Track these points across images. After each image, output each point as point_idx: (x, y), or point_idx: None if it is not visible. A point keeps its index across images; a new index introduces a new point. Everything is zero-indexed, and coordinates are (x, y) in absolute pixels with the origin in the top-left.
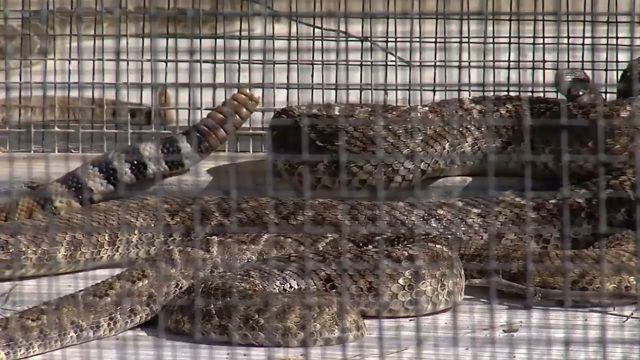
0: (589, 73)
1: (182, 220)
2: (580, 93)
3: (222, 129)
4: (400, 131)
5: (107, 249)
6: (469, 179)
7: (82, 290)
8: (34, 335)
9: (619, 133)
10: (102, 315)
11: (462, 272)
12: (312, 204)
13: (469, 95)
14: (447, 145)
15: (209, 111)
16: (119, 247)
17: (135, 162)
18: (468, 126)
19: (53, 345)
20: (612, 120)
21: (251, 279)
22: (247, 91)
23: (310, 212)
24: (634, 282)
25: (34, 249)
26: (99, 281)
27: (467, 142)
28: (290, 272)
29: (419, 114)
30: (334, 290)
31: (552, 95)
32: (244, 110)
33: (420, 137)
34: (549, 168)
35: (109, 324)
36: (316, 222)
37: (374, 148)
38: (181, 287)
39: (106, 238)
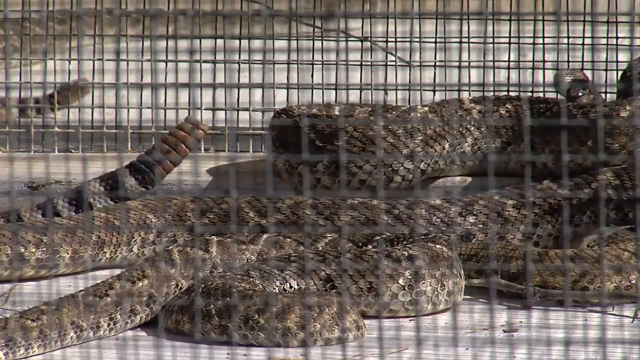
0: (588, 73)
1: (211, 220)
2: (580, 94)
3: (167, 160)
4: (400, 131)
5: (123, 249)
6: (469, 179)
7: (82, 290)
8: (34, 335)
9: (618, 132)
10: (102, 316)
11: (462, 272)
12: (352, 203)
13: (469, 95)
14: (446, 146)
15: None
16: (132, 246)
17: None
18: (468, 126)
19: (53, 346)
20: (612, 120)
21: (251, 279)
22: (193, 120)
23: (353, 212)
24: (634, 281)
25: (66, 248)
26: (98, 281)
27: (467, 142)
28: (290, 272)
29: (418, 114)
30: (334, 290)
31: (552, 95)
32: (190, 139)
33: (420, 137)
34: (548, 168)
35: (109, 324)
36: (361, 223)
37: (373, 148)
38: (181, 288)
39: (124, 239)
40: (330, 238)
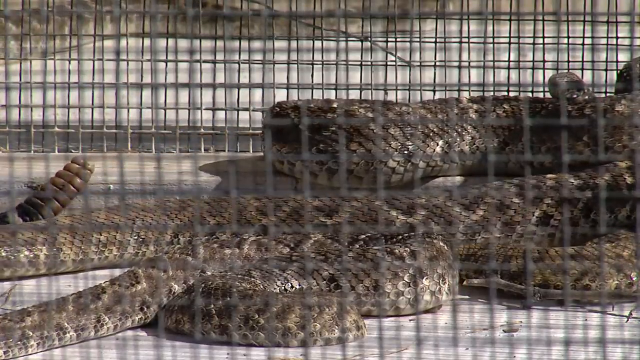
0: (588, 74)
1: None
2: (575, 96)
3: (55, 201)
4: (389, 124)
5: (134, 246)
6: (469, 178)
7: (74, 293)
8: (18, 335)
9: (613, 128)
10: (90, 319)
11: (457, 270)
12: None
13: (469, 95)
14: (440, 142)
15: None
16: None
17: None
18: (464, 125)
19: (51, 345)
20: (608, 115)
21: (252, 279)
22: (81, 160)
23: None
24: (635, 279)
25: (70, 247)
26: (98, 282)
27: (464, 141)
28: (291, 272)
29: (410, 109)
30: (338, 290)
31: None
32: (78, 179)
33: (410, 131)
34: (546, 167)
35: (94, 327)
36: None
37: (360, 139)
38: (173, 292)
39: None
40: (316, 239)
